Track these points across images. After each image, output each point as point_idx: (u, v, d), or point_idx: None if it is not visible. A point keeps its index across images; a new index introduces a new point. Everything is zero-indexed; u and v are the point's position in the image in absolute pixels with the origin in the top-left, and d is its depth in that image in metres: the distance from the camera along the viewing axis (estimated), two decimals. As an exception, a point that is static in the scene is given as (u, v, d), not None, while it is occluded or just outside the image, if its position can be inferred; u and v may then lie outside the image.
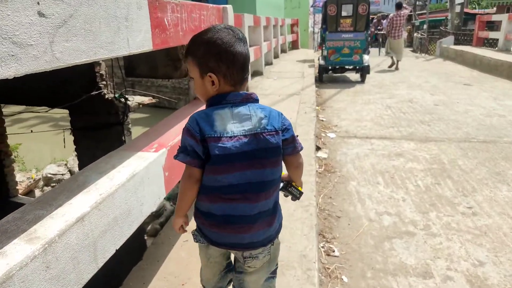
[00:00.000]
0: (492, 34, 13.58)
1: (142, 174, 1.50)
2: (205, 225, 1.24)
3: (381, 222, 2.91)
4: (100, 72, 3.64)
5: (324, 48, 9.65)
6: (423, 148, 4.55)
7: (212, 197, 1.18)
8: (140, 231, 3.82)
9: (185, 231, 1.37)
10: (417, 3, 29.09)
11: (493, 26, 15.54)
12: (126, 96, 3.80)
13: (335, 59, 9.24)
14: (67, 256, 1.07)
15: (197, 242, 1.31)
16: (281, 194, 1.36)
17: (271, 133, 1.14)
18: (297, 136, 1.24)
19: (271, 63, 9.51)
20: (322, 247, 2.58)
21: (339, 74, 9.96)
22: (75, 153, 4.60)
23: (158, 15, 1.66)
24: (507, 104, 6.68)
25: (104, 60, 3.73)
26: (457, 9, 16.33)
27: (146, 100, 3.88)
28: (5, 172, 4.94)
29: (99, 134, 3.69)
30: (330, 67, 9.45)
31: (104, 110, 3.69)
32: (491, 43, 13.66)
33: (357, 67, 9.32)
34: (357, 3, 9.02)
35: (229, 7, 2.67)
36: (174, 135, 1.96)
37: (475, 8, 29.18)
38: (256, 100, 1.19)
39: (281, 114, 1.21)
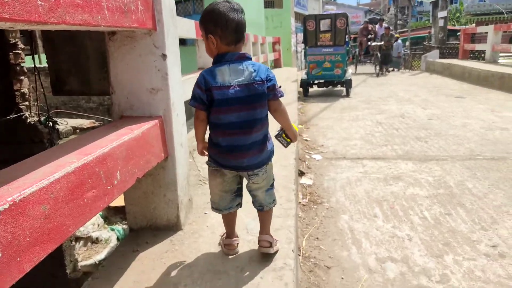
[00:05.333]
0: (478, 46, 13.32)
1: None
2: (216, 153, 1.62)
3: (384, 274, 2.20)
4: (22, 91, 2.88)
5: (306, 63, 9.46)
6: (423, 169, 3.90)
7: (218, 132, 1.58)
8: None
9: (207, 154, 1.68)
10: (398, 22, 29.33)
11: (474, 40, 15.32)
12: (56, 120, 3.02)
13: (316, 73, 9.08)
14: None
15: (210, 167, 1.67)
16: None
17: (258, 83, 1.53)
18: (280, 86, 1.60)
19: (251, 81, 8.94)
20: (307, 316, 1.86)
21: (324, 89, 9.66)
22: None
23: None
24: (507, 116, 6.14)
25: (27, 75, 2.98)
26: (440, 23, 16.12)
27: (87, 123, 3.15)
28: None
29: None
30: (312, 82, 9.28)
31: (27, 138, 2.89)
32: (477, 56, 13.37)
33: (341, 81, 9.09)
34: (335, 17, 8.93)
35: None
36: (35, 179, 1.05)
37: (454, 25, 29.40)
38: (248, 58, 1.57)
39: (268, 68, 1.58)
